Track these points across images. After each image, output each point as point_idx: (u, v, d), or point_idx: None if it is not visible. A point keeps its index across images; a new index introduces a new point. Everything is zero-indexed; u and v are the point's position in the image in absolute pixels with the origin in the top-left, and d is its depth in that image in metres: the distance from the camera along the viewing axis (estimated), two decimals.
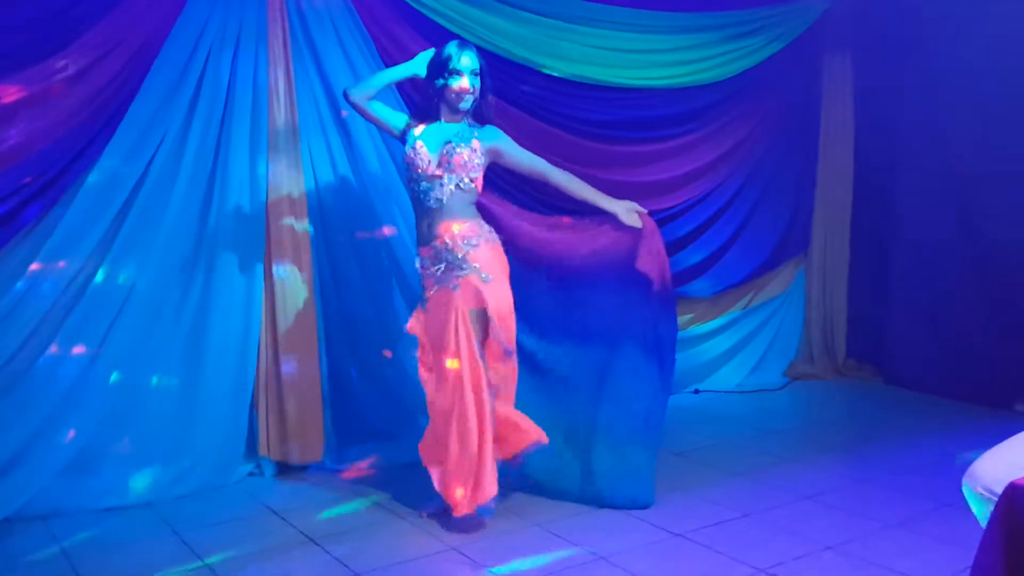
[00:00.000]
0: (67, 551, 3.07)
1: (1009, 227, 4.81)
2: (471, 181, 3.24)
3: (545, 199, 4.05)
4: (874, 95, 5.50)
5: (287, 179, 3.78)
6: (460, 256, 3.20)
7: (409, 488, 3.53)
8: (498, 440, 3.28)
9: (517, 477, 3.49)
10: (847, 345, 5.80)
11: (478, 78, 3.23)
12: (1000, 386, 4.86)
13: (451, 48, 3.22)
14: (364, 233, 4.02)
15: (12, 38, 3.27)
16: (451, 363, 3.19)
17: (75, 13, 3.36)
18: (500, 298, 3.24)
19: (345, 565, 2.93)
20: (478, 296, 3.21)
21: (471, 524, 3.20)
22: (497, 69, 4.08)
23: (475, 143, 3.25)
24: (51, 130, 3.33)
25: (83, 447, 3.43)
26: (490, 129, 3.33)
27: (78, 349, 3.39)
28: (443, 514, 3.29)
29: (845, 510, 3.39)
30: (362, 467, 3.89)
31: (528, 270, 3.49)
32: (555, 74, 4.57)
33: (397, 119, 3.36)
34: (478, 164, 3.25)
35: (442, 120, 3.28)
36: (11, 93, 3.24)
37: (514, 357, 3.33)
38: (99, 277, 3.42)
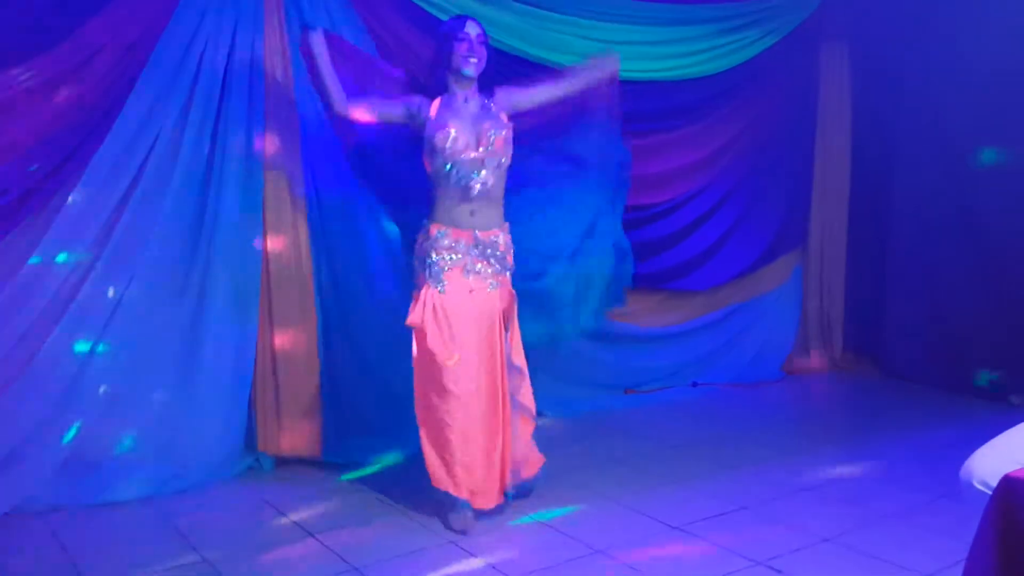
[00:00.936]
0: (66, 546, 3.07)
1: (1008, 219, 4.82)
2: (508, 159, 3.23)
3: None
4: (871, 87, 5.51)
5: (285, 168, 3.77)
6: (501, 253, 3.24)
7: (407, 482, 3.54)
8: (517, 463, 3.33)
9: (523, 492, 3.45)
10: (844, 338, 5.82)
11: (484, 47, 3.23)
12: (997, 379, 4.88)
13: (455, 19, 3.29)
14: (364, 225, 4.00)
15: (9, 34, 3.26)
16: (479, 360, 3.19)
17: (72, 7, 3.35)
18: (518, 312, 3.31)
19: (343, 559, 2.93)
20: (509, 302, 3.27)
21: (460, 517, 3.17)
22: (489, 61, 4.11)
23: (503, 116, 3.24)
24: (47, 125, 3.32)
25: (82, 442, 3.42)
26: (496, 93, 3.31)
27: (77, 342, 3.39)
28: (473, 520, 3.19)
29: (842, 502, 3.41)
30: (360, 461, 3.90)
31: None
32: (549, 66, 4.55)
33: (397, 107, 3.27)
34: (511, 139, 3.23)
35: (455, 93, 3.23)
36: (9, 87, 3.23)
37: (526, 374, 3.36)
38: (97, 269, 3.42)
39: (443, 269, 3.16)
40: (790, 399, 5.21)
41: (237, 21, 3.67)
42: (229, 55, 3.66)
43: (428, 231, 3.21)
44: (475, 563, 2.90)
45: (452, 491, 3.18)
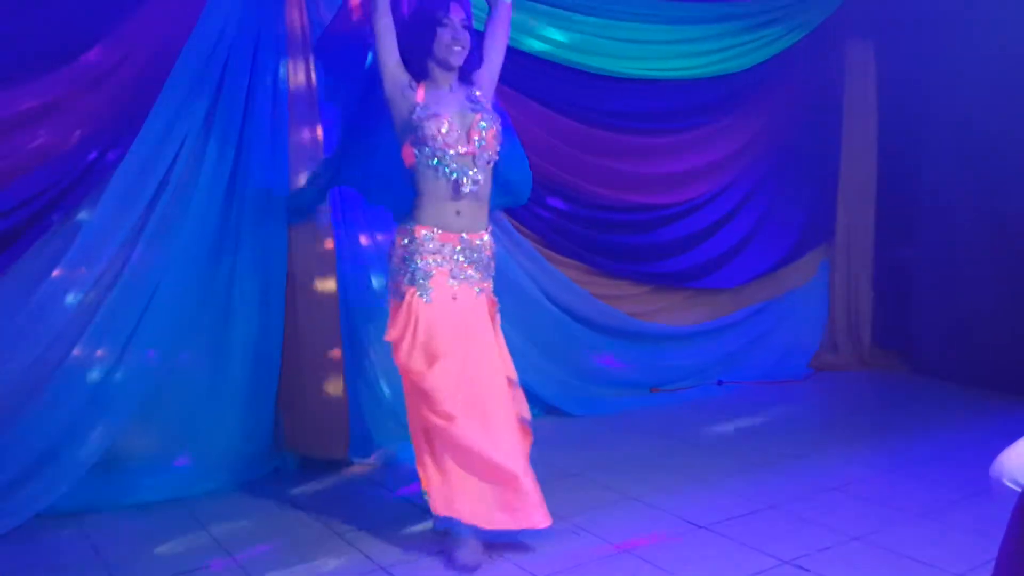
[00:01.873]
0: (98, 547, 3.11)
1: None
2: (497, 154, 2.94)
3: None
4: (898, 82, 5.46)
5: (307, 171, 3.79)
6: (487, 258, 2.97)
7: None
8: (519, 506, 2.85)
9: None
10: (872, 334, 5.77)
11: (468, 30, 2.91)
12: None
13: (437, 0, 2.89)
14: (383, 234, 4.02)
15: (29, 42, 3.31)
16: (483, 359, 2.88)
17: (96, 16, 3.40)
18: (499, 320, 3.04)
19: (370, 558, 2.95)
20: (492, 309, 3.01)
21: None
22: (518, 63, 4.10)
23: (489, 107, 2.95)
24: (72, 132, 3.37)
25: (111, 444, 3.47)
26: (476, 80, 2.99)
27: (105, 345, 3.42)
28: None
29: (871, 501, 3.37)
30: (386, 462, 3.91)
31: None
32: (564, 64, 4.55)
33: (395, 52, 2.87)
34: (500, 131, 2.94)
35: (439, 81, 2.91)
36: (33, 97, 3.28)
37: (516, 382, 3.03)
38: (124, 276, 3.46)
39: (429, 275, 2.84)
40: (817, 397, 5.17)
41: (260, 30, 3.69)
42: (252, 62, 3.68)
43: (412, 233, 2.87)
44: (500, 561, 2.90)
45: (455, 516, 2.83)
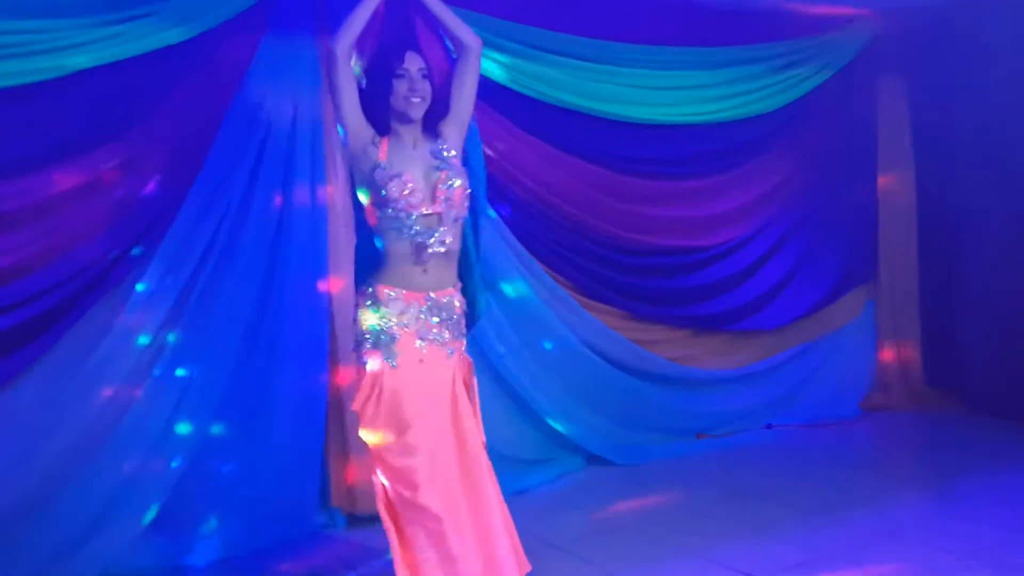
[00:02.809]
0: None
1: None
2: (465, 211, 2.76)
3: None
4: (932, 115, 5.43)
5: (342, 214, 3.83)
6: (457, 317, 2.76)
7: None
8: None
9: None
10: (923, 373, 5.64)
11: (427, 79, 2.71)
12: None
13: (391, 50, 2.71)
14: None
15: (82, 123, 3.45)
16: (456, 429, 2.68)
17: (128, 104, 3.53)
18: (476, 384, 2.83)
19: None
20: (467, 371, 2.80)
21: None
22: (536, 109, 4.16)
23: (456, 160, 2.74)
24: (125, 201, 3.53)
25: (162, 508, 3.49)
26: (442, 130, 2.78)
27: (153, 413, 3.47)
28: None
29: (931, 546, 3.27)
30: None
31: None
32: (595, 114, 4.60)
33: (358, 109, 2.70)
34: (468, 186, 2.75)
35: (401, 135, 2.72)
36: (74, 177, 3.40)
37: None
38: (171, 338, 3.52)
39: (394, 338, 2.66)
40: (870, 439, 5.05)
41: (298, 82, 3.75)
42: (294, 115, 3.74)
43: (376, 294, 2.69)
44: None
45: None
